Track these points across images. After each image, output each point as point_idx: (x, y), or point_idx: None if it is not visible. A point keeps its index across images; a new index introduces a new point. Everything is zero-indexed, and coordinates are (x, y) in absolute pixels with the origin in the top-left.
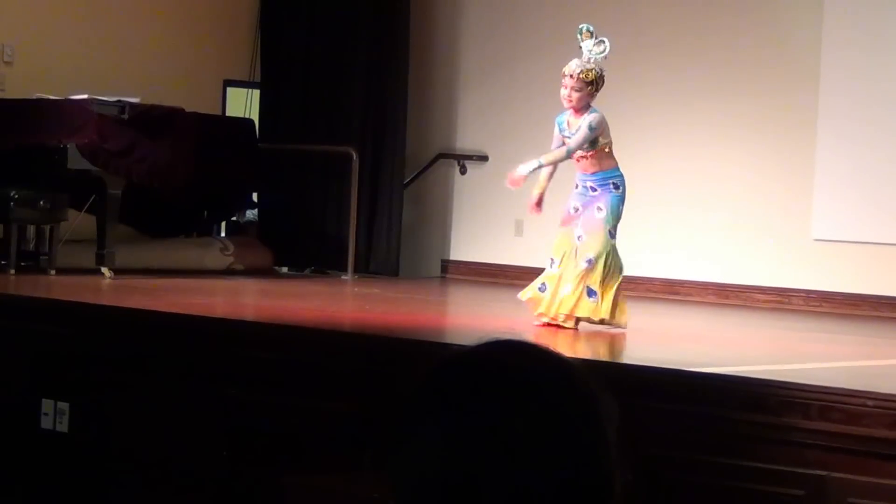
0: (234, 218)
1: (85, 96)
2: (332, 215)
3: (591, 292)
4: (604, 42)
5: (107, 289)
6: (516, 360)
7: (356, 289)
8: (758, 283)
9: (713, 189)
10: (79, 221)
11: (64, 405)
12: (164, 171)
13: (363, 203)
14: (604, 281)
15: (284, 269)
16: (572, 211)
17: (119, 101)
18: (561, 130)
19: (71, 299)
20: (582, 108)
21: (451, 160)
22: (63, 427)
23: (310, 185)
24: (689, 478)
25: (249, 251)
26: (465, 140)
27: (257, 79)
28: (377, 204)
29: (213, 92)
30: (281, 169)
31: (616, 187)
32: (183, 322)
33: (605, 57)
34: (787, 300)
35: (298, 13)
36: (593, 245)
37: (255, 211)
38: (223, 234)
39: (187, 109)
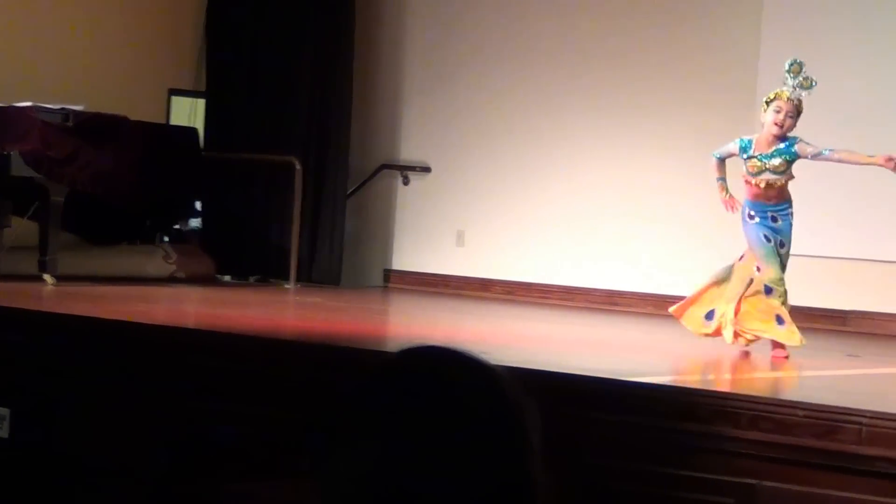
0: (177, 226)
1: (29, 104)
2: (276, 224)
3: (780, 320)
4: (810, 80)
5: (49, 295)
6: (442, 368)
7: (298, 297)
8: None
9: (653, 202)
10: (22, 228)
11: (4, 411)
12: (107, 178)
13: (306, 212)
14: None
15: (227, 278)
16: (767, 242)
17: (63, 108)
18: (744, 151)
19: (13, 306)
20: (784, 134)
21: (394, 171)
22: (3, 433)
23: (253, 194)
24: (624, 486)
25: (192, 259)
26: (409, 151)
27: (202, 88)
28: (320, 213)
29: (158, 100)
30: (224, 178)
31: (792, 216)
32: (125, 329)
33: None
34: None
35: (244, 23)
36: (771, 275)
37: (199, 219)
38: (166, 242)
39: (132, 118)
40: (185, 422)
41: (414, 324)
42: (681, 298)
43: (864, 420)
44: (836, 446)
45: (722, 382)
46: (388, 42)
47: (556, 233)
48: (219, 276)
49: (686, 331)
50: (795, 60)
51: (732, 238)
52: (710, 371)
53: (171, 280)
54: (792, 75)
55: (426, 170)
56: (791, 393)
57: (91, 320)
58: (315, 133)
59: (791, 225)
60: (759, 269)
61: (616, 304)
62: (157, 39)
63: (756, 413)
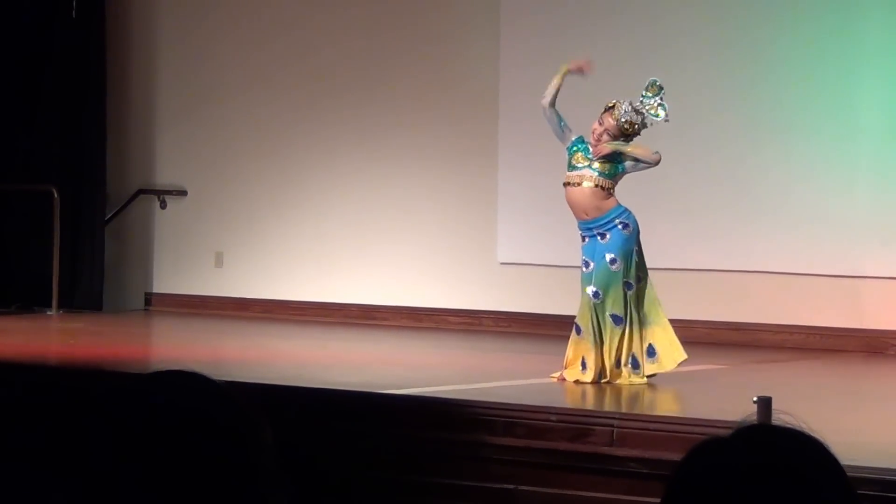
0: None
1: None
2: (36, 252)
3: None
4: (663, 105)
5: None
6: (176, 391)
7: (61, 324)
8: (449, 306)
9: (405, 219)
10: None
11: None
12: None
13: (66, 240)
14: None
15: None
16: (584, 268)
17: None
18: (576, 147)
19: None
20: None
21: (152, 195)
22: None
23: (12, 222)
24: (386, 497)
25: None
26: (165, 175)
27: None
28: (80, 240)
29: None
30: None
31: (625, 226)
32: None
33: (657, 118)
34: (477, 321)
35: None
36: (615, 303)
37: None
38: None
39: None
40: None
41: (174, 345)
42: (435, 310)
43: (616, 422)
44: (589, 448)
45: (478, 391)
46: (141, 68)
47: (312, 251)
48: None
49: (443, 342)
50: (656, 81)
51: (483, 250)
52: (466, 381)
53: None
54: (649, 95)
55: (183, 193)
56: (544, 398)
57: None
58: (71, 161)
59: (623, 236)
60: (595, 295)
61: (372, 319)
62: None
63: (510, 419)
